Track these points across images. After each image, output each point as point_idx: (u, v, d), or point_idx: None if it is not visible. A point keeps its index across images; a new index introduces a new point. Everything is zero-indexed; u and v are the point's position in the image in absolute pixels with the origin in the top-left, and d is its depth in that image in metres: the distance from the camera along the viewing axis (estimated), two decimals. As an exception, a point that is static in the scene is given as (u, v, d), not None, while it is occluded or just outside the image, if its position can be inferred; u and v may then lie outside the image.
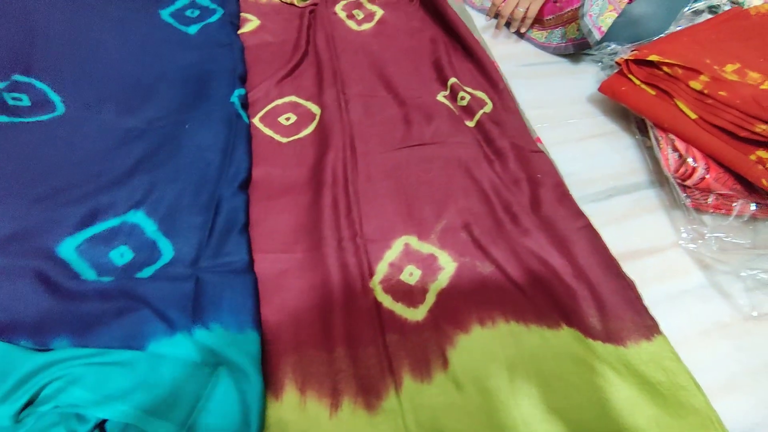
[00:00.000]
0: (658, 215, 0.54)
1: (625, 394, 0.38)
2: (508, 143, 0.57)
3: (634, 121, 0.62)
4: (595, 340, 0.41)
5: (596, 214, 0.51)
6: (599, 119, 0.65)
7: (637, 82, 0.58)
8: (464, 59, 0.69)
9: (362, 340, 0.41)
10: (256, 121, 0.60)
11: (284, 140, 0.58)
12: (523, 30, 0.75)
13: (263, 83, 0.64)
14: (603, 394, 0.38)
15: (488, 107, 0.62)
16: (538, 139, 0.59)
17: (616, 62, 0.62)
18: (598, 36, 0.65)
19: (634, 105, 0.58)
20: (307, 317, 0.42)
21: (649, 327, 0.42)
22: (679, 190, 0.51)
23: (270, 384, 0.38)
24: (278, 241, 0.48)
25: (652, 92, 0.57)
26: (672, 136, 0.54)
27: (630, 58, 0.59)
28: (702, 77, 0.53)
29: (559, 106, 0.66)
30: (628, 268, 0.46)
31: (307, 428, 0.36)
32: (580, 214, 0.50)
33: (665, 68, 0.56)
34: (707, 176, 0.49)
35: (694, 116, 0.52)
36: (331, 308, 0.42)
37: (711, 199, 0.49)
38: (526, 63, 0.73)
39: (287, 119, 0.61)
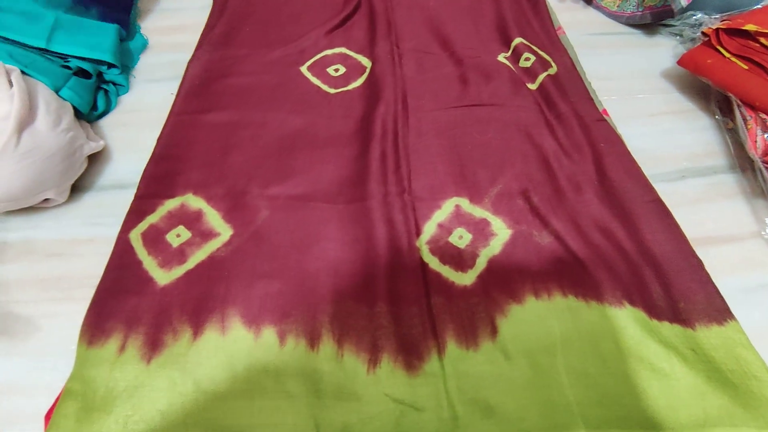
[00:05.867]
0: (736, 202, 0.48)
1: (690, 382, 0.35)
2: (570, 109, 0.53)
3: (714, 101, 0.56)
4: (661, 321, 0.38)
5: (666, 194, 0.46)
6: (673, 96, 0.59)
7: (727, 54, 0.52)
8: (530, 20, 0.64)
9: (405, 299, 0.38)
10: (303, 69, 0.58)
11: (332, 91, 0.55)
12: (594, -6, 0.68)
13: (312, 32, 0.62)
14: (666, 381, 0.35)
15: (553, 70, 0.57)
16: (605, 112, 0.54)
17: (703, 32, 0.56)
18: (685, 2, 0.58)
19: (721, 80, 0.52)
20: (349, 269, 0.40)
21: (721, 311, 0.38)
22: (766, 175, 0.45)
23: (306, 333, 0.36)
24: (321, 191, 0.45)
25: (744, 66, 0.51)
26: (764, 116, 0.48)
27: (722, 27, 0.52)
28: (808, 51, 0.47)
29: (629, 80, 0.61)
30: (700, 255, 0.42)
31: (342, 381, 0.34)
32: (649, 187, 0.46)
33: (762, 40, 0.50)
34: (806, 161, 0.44)
35: (794, 94, 0.46)
36: (374, 263, 0.40)
37: (808, 187, 0.43)
38: (594, 32, 0.67)
39: (336, 70, 0.58)
